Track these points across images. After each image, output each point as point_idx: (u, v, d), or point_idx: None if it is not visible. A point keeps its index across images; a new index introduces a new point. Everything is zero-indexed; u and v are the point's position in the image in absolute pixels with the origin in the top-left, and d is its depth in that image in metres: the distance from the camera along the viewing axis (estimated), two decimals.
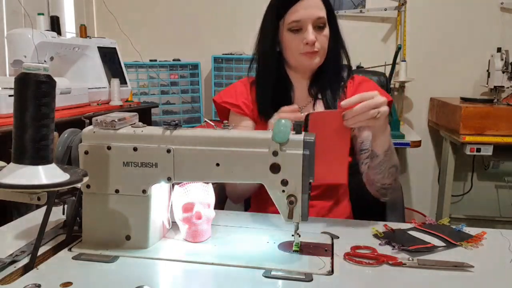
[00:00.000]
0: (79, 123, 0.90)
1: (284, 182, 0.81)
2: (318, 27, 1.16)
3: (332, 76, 1.24)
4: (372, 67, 2.41)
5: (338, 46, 1.24)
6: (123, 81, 2.36)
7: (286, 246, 0.88)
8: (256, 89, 1.26)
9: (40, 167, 0.70)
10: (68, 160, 0.86)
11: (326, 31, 1.18)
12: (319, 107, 1.25)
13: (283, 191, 0.82)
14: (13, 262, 0.79)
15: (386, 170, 1.09)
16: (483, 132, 2.25)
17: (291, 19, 1.15)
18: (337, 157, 1.00)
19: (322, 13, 1.16)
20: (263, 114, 1.22)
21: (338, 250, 0.86)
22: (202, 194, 0.92)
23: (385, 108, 0.96)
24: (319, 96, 1.26)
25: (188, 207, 0.90)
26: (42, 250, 0.84)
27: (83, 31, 2.34)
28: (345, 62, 1.27)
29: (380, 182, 1.12)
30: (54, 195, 0.77)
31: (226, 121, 0.87)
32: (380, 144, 1.06)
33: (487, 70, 2.57)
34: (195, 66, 2.86)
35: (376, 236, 0.94)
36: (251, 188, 1.24)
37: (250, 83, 1.29)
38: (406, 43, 2.74)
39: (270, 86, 1.24)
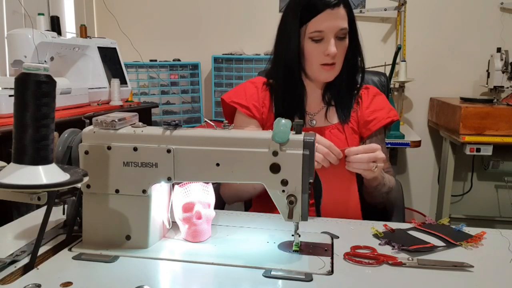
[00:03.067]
0: (79, 123, 0.90)
1: (284, 182, 0.81)
2: (339, 38, 1.14)
3: (346, 84, 1.23)
4: (372, 67, 2.40)
5: (356, 53, 1.22)
6: (123, 81, 2.37)
7: (286, 246, 0.88)
8: (276, 95, 1.24)
9: (40, 167, 0.70)
10: (68, 160, 0.86)
11: (346, 41, 1.16)
12: (332, 114, 1.25)
13: (283, 191, 0.82)
14: (13, 262, 0.79)
15: (376, 195, 1.19)
16: (483, 132, 2.25)
17: (314, 29, 1.12)
18: (345, 195, 1.12)
19: (345, 24, 1.14)
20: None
21: (338, 250, 0.86)
22: (202, 194, 0.93)
23: (382, 165, 1.07)
24: (332, 103, 1.25)
25: (188, 207, 0.90)
26: (42, 250, 0.84)
27: (83, 31, 2.34)
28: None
29: (371, 202, 1.22)
30: (54, 195, 0.77)
31: (227, 121, 0.87)
32: (371, 182, 1.14)
33: (487, 70, 2.57)
34: (195, 66, 2.86)
35: (376, 236, 0.94)
36: (250, 192, 1.20)
37: (262, 85, 1.27)
38: (406, 43, 2.74)
39: (290, 93, 1.22)
